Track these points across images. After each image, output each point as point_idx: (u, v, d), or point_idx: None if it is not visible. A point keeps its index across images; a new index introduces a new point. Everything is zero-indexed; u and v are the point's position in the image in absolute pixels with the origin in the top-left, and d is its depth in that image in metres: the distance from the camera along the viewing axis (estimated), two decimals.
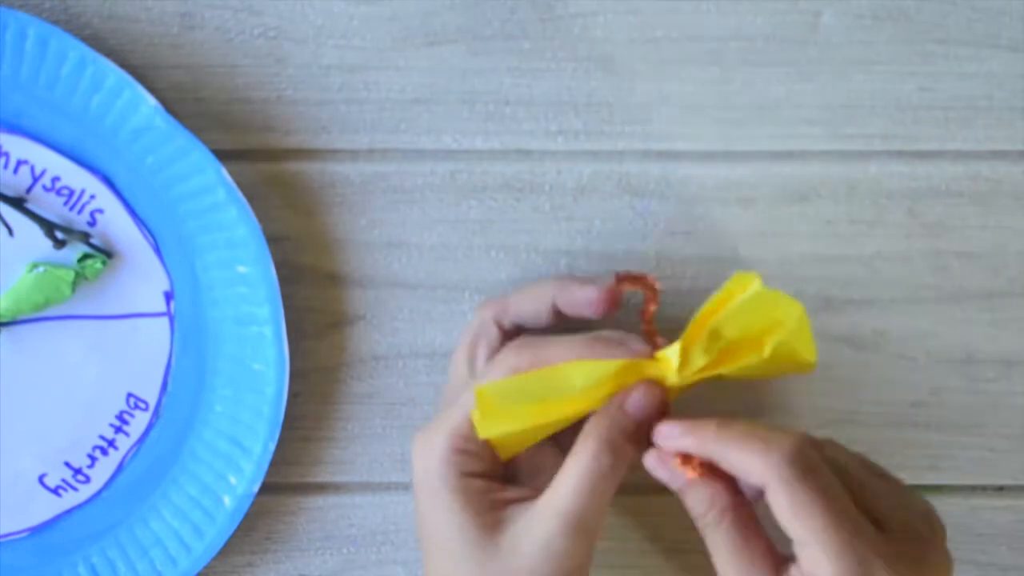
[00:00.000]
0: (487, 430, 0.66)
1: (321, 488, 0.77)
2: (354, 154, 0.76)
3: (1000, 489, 0.77)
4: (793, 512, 0.62)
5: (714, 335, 0.65)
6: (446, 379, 0.76)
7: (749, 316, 0.65)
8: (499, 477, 0.68)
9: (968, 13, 0.75)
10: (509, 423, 0.66)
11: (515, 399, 0.65)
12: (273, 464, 0.75)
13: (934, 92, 0.76)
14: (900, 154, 0.76)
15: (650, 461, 0.65)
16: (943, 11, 0.75)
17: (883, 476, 0.67)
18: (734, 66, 0.75)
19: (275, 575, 0.77)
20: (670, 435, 0.64)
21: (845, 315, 0.76)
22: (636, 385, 0.66)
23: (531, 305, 0.69)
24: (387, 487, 0.77)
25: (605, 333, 0.68)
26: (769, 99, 0.76)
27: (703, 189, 0.76)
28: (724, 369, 0.66)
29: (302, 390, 0.76)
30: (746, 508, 0.64)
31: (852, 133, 0.76)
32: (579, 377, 0.65)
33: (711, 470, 0.64)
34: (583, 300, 0.68)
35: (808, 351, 0.66)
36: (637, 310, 0.68)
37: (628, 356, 0.66)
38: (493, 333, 0.70)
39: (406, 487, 0.77)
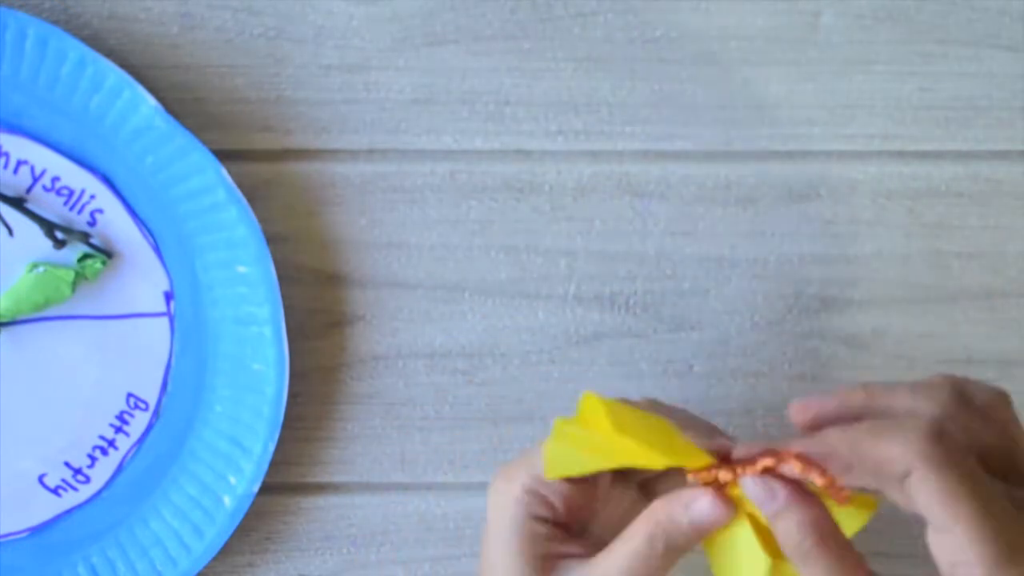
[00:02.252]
0: (555, 467, 0.64)
1: (321, 488, 0.77)
2: (354, 154, 0.76)
3: None
4: (941, 497, 0.59)
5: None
6: (445, 379, 0.76)
7: None
8: (567, 527, 0.67)
9: (968, 13, 0.75)
10: (578, 452, 0.64)
11: (591, 430, 0.64)
12: (273, 464, 0.75)
13: (934, 92, 0.76)
14: (900, 154, 0.76)
15: (748, 483, 0.62)
16: (943, 11, 0.75)
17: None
18: (734, 66, 0.75)
19: (275, 575, 0.77)
20: (799, 442, 0.62)
21: (845, 315, 0.76)
22: (706, 494, 0.63)
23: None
24: (387, 487, 0.77)
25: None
26: (769, 99, 0.76)
27: (703, 189, 0.76)
28: None
29: (302, 390, 0.76)
30: (837, 528, 0.62)
31: (852, 133, 0.76)
32: (662, 439, 0.64)
33: (801, 493, 0.62)
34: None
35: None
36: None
37: (711, 447, 0.63)
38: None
39: (406, 487, 0.77)
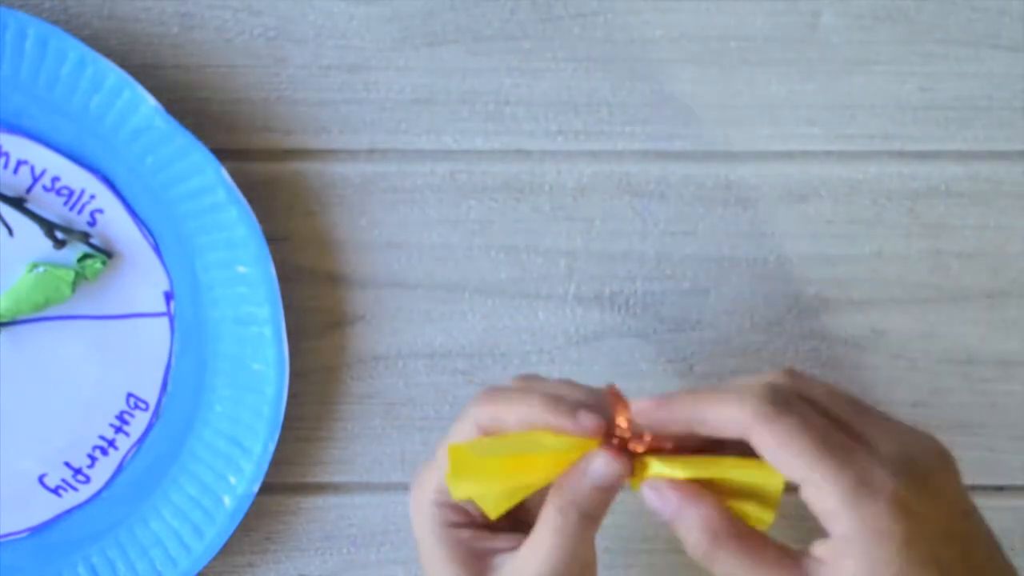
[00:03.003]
0: (460, 490, 0.65)
1: (321, 488, 0.77)
2: (354, 154, 0.76)
3: (1000, 489, 0.77)
4: (780, 450, 0.60)
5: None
6: (445, 379, 0.76)
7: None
8: (490, 526, 0.67)
9: (968, 13, 0.75)
10: (482, 483, 0.65)
11: (486, 456, 0.64)
12: (273, 464, 0.75)
13: (934, 92, 0.76)
14: (900, 154, 0.76)
15: (646, 490, 0.63)
16: (943, 11, 0.75)
17: (867, 411, 0.65)
18: (734, 66, 0.75)
19: (275, 575, 0.77)
20: (646, 410, 0.63)
21: (845, 315, 0.76)
22: (598, 454, 0.64)
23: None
24: (387, 487, 0.77)
25: (565, 389, 0.66)
26: (769, 99, 0.76)
27: (703, 189, 0.76)
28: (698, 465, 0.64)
29: (302, 390, 0.76)
30: (735, 522, 0.63)
31: (852, 133, 0.76)
32: (548, 443, 0.64)
33: (694, 495, 0.63)
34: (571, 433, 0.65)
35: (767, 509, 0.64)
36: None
37: (579, 431, 0.64)
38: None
39: (406, 487, 0.77)
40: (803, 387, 0.63)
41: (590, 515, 0.64)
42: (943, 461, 0.63)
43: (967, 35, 0.75)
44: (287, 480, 0.77)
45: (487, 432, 0.65)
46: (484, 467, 0.64)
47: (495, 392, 0.66)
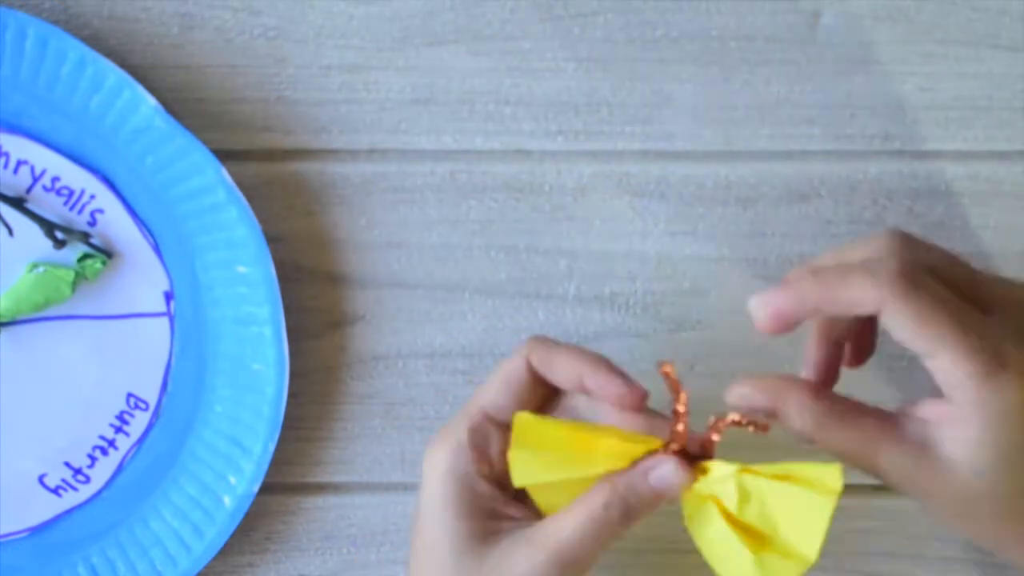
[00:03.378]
0: (522, 473, 0.65)
1: (321, 488, 0.77)
2: (354, 154, 0.76)
3: None
4: (917, 324, 0.61)
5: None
6: (445, 379, 0.76)
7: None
8: (508, 488, 0.67)
9: (968, 13, 0.75)
10: (540, 458, 0.64)
11: (549, 430, 0.64)
12: (273, 464, 0.75)
13: (934, 92, 0.76)
14: (900, 154, 0.76)
15: (737, 392, 0.64)
16: (943, 11, 0.75)
17: (985, 277, 0.66)
18: (734, 66, 0.75)
19: (275, 575, 0.77)
20: (765, 301, 0.63)
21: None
22: (667, 461, 0.64)
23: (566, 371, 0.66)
24: (387, 487, 0.77)
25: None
26: (769, 99, 0.76)
27: (703, 189, 0.76)
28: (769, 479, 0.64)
29: (302, 390, 0.76)
30: (834, 396, 0.64)
31: (852, 133, 0.76)
32: (610, 435, 0.64)
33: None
34: (612, 394, 0.65)
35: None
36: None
37: (626, 392, 0.64)
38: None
39: (406, 487, 0.77)
40: (921, 256, 0.64)
41: (634, 517, 0.64)
42: None
43: (967, 35, 0.75)
44: (287, 480, 0.77)
45: (535, 370, 0.66)
46: (545, 441, 0.64)
47: (546, 338, 0.67)
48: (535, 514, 0.66)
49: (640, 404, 0.65)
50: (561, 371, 0.66)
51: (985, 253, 0.76)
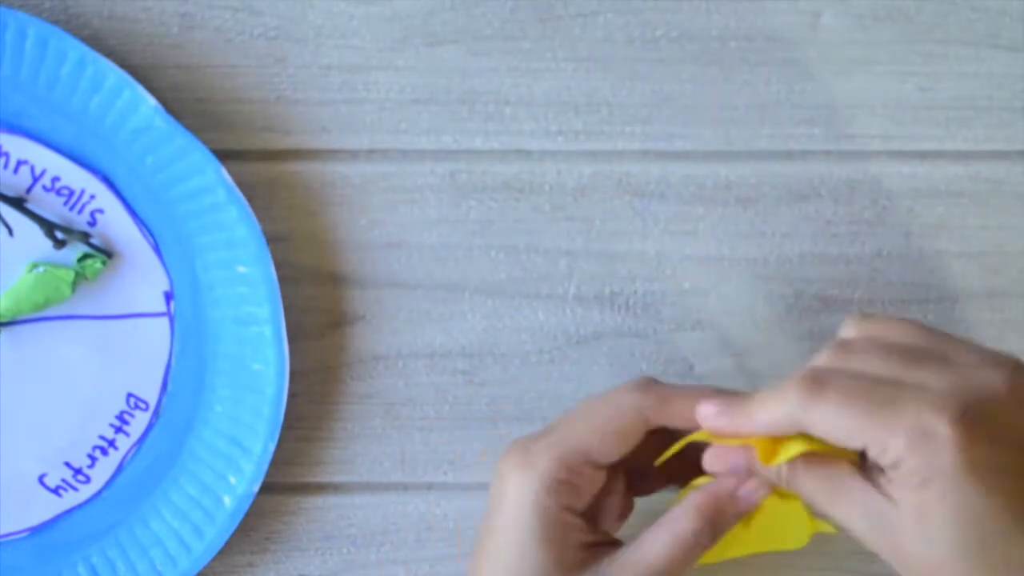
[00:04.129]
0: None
1: (321, 488, 0.77)
2: (354, 154, 0.76)
3: None
4: (831, 429, 0.60)
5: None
6: (445, 379, 0.76)
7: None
8: (593, 519, 0.67)
9: (968, 13, 0.75)
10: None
11: None
12: (273, 464, 0.75)
13: (934, 92, 0.76)
14: (900, 154, 0.76)
15: (711, 461, 0.64)
16: (943, 11, 0.75)
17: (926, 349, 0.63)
18: (734, 66, 0.75)
19: (275, 575, 0.77)
20: (711, 416, 0.63)
21: (845, 315, 0.76)
22: (754, 480, 0.64)
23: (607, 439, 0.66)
24: (387, 487, 0.77)
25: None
26: (769, 99, 0.76)
27: (703, 189, 0.76)
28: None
29: (302, 390, 0.76)
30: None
31: (852, 133, 0.76)
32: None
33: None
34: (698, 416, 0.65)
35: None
36: None
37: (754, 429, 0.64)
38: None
39: (406, 487, 0.77)
40: (845, 348, 0.62)
41: (718, 538, 0.65)
42: (1009, 372, 0.61)
43: (967, 35, 0.75)
44: (287, 480, 0.77)
45: (648, 420, 0.65)
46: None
47: (657, 384, 0.66)
48: (613, 538, 0.66)
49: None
50: (682, 420, 0.65)
51: (985, 253, 0.76)
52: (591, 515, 0.67)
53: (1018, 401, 0.61)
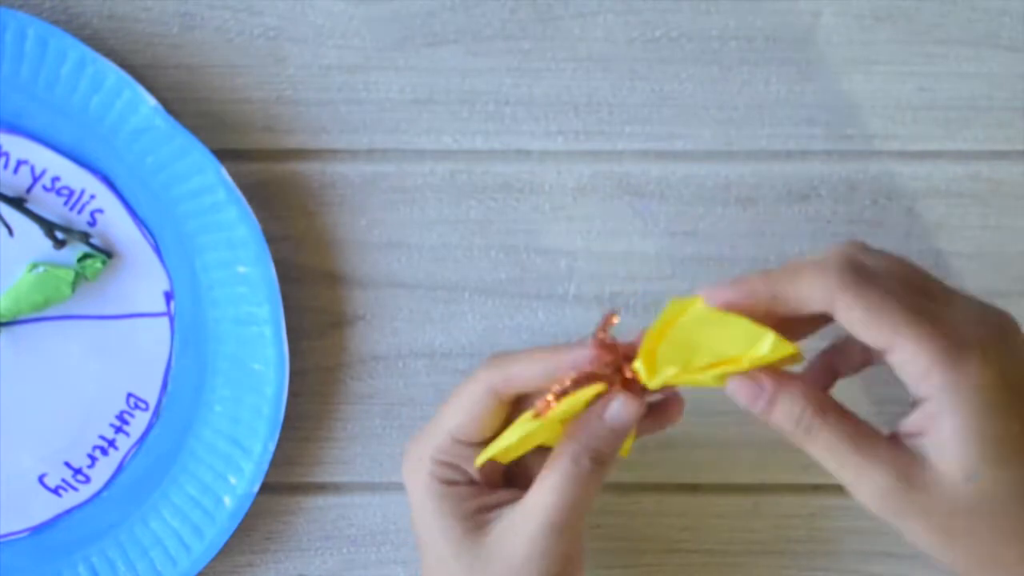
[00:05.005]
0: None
1: (321, 488, 0.77)
2: (354, 154, 0.76)
3: None
4: (869, 315, 0.59)
5: (681, 346, 0.63)
6: (445, 379, 0.76)
7: (713, 333, 0.63)
8: (487, 483, 0.68)
9: (968, 13, 0.75)
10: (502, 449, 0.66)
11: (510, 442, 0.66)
12: (273, 464, 0.75)
13: (934, 92, 0.76)
14: (900, 154, 0.76)
15: (734, 386, 0.62)
16: (943, 11, 0.75)
17: (934, 281, 0.64)
18: (734, 66, 0.75)
19: (275, 575, 0.77)
20: (715, 293, 0.62)
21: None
22: (615, 395, 0.64)
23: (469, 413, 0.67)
24: (387, 487, 0.77)
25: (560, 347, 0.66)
26: (769, 99, 0.76)
27: (703, 189, 0.76)
28: (699, 376, 0.63)
29: (302, 390, 0.76)
30: (833, 401, 0.62)
31: (852, 133, 0.76)
32: (560, 411, 0.65)
33: (784, 377, 0.62)
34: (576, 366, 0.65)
35: (788, 349, 0.64)
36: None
37: (588, 359, 0.64)
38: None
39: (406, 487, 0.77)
40: (871, 257, 0.63)
41: (604, 461, 0.65)
42: (1013, 323, 0.62)
43: (967, 35, 0.75)
44: (287, 480, 0.77)
45: (497, 392, 0.66)
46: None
47: (502, 355, 0.67)
48: (517, 493, 0.66)
49: (612, 351, 0.65)
50: (524, 382, 0.66)
51: (985, 253, 0.76)
52: (506, 477, 0.68)
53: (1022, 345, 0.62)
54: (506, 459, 0.67)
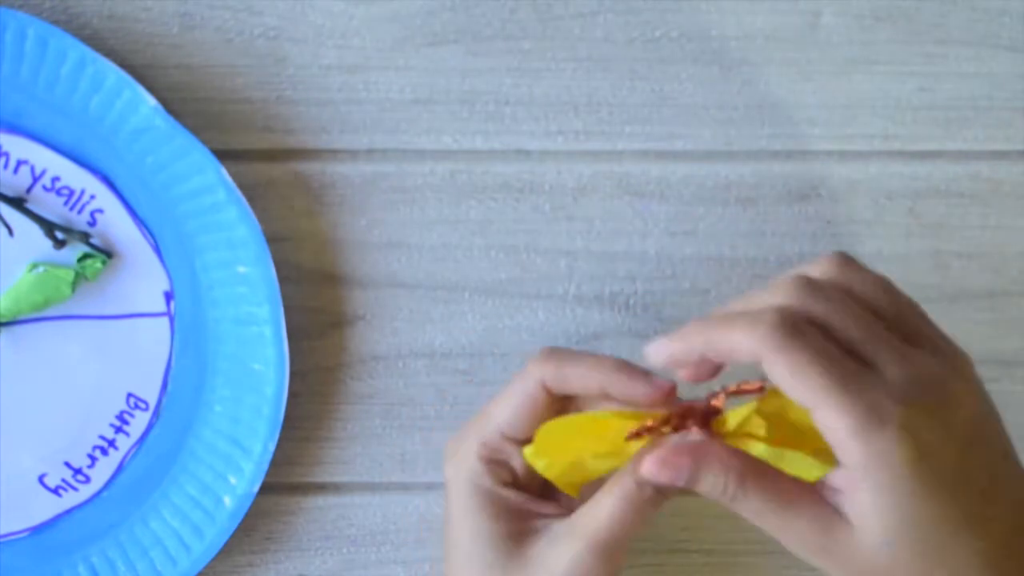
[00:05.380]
0: (543, 467, 0.65)
1: (321, 488, 0.77)
2: (354, 154, 0.76)
3: None
4: (792, 376, 0.60)
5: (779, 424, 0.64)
6: (445, 379, 0.76)
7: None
8: (534, 490, 0.67)
9: (968, 13, 0.75)
10: (559, 460, 0.65)
11: (568, 434, 0.65)
12: (273, 464, 0.75)
13: (934, 92, 0.76)
14: (900, 154, 0.76)
15: (654, 470, 0.63)
16: (943, 11, 0.75)
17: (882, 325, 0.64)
18: (734, 66, 0.75)
19: (275, 575, 0.77)
20: (658, 348, 0.63)
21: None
22: (691, 432, 0.64)
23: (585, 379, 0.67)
24: (387, 487, 0.77)
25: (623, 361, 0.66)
26: (769, 99, 0.76)
27: (703, 189, 0.76)
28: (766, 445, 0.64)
29: (302, 390, 0.76)
30: (759, 463, 0.63)
31: (852, 133, 0.76)
32: (623, 424, 0.64)
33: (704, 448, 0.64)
34: (639, 397, 0.66)
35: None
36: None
37: (653, 390, 0.65)
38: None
39: (406, 487, 0.77)
40: (821, 304, 0.62)
41: (666, 494, 0.64)
42: (958, 373, 0.62)
43: (967, 35, 0.75)
44: (287, 480, 0.77)
45: (550, 389, 0.65)
46: (565, 445, 0.64)
47: (559, 350, 0.66)
48: (569, 509, 0.66)
49: (669, 399, 0.65)
50: (578, 384, 0.66)
51: (985, 253, 0.76)
52: (545, 489, 0.68)
53: (967, 398, 0.62)
54: (570, 484, 0.66)
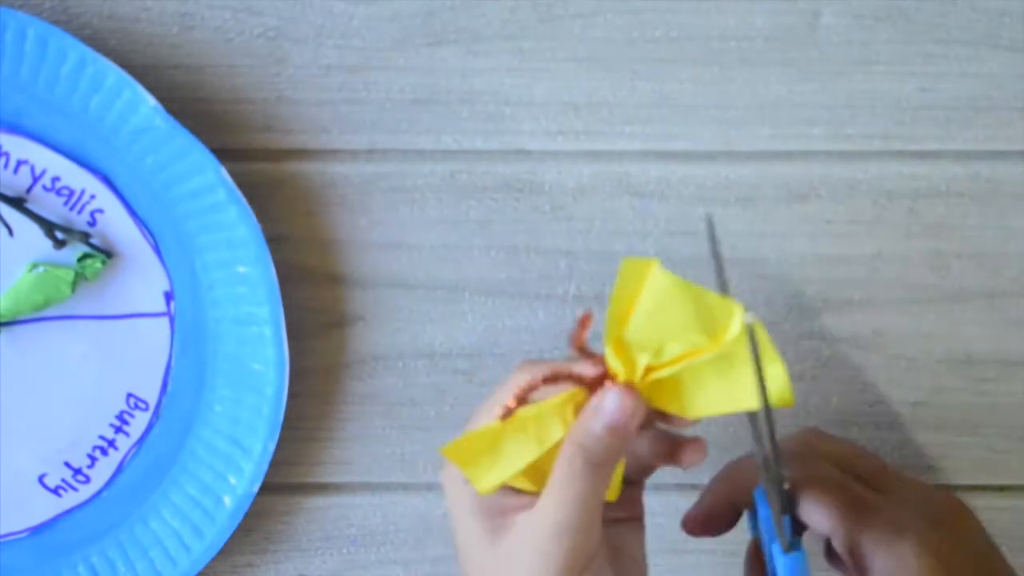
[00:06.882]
0: (481, 482, 0.65)
1: (321, 488, 0.77)
2: (354, 154, 0.76)
3: (1001, 489, 0.77)
4: (813, 508, 0.66)
5: (648, 330, 0.62)
6: (445, 379, 0.76)
7: (678, 312, 0.62)
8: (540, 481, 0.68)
9: (968, 13, 0.75)
10: (499, 470, 0.64)
11: (487, 439, 0.64)
12: (273, 464, 0.75)
13: (934, 92, 0.76)
14: (900, 154, 0.76)
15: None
16: (943, 11, 0.75)
17: (886, 468, 0.70)
18: (734, 66, 0.75)
19: (275, 575, 0.77)
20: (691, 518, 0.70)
21: (845, 315, 0.76)
22: (612, 389, 0.63)
23: None
24: (387, 487, 0.77)
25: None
26: (769, 99, 0.76)
27: (703, 189, 0.76)
28: (677, 364, 0.62)
29: (302, 390, 0.76)
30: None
31: (852, 133, 0.76)
32: (536, 413, 0.64)
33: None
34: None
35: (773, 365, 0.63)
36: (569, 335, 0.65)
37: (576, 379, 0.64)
38: None
39: (406, 487, 0.77)
40: (826, 446, 0.69)
41: (598, 462, 0.63)
42: (963, 511, 0.68)
43: (967, 35, 0.75)
44: (287, 480, 0.77)
45: (523, 398, 0.65)
46: (490, 445, 0.64)
47: (529, 361, 0.66)
48: (536, 498, 0.66)
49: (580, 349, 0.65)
50: (532, 389, 0.66)
51: (985, 253, 0.76)
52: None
53: (964, 530, 0.67)
54: (526, 483, 0.66)
